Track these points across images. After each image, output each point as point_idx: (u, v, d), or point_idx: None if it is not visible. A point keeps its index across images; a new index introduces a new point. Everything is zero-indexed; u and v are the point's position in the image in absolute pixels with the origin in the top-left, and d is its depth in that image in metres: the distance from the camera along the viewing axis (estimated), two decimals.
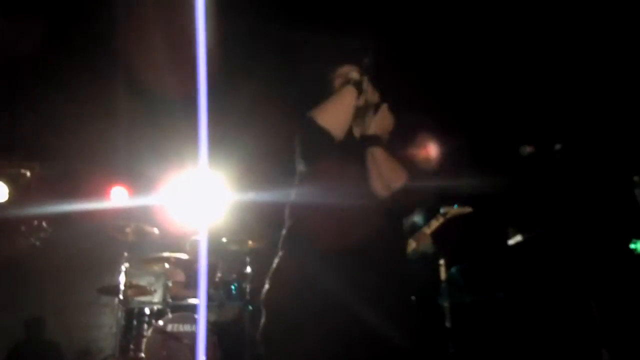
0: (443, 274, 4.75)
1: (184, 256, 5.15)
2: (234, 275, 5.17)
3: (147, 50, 4.76)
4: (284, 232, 2.41)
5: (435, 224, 4.48)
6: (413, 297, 2.50)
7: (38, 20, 4.72)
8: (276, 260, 2.36)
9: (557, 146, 3.62)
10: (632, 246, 3.86)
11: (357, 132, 2.54)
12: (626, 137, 4.60)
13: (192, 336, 4.64)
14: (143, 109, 5.49)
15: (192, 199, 5.90)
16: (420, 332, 2.27)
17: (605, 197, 4.62)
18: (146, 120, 5.60)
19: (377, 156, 2.42)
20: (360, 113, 2.50)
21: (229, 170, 5.89)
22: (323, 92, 2.54)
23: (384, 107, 2.50)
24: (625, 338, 4.23)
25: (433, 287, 4.68)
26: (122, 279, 4.81)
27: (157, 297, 5.81)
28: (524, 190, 5.11)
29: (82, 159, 6.08)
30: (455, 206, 4.53)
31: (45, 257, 6.01)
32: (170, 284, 5.05)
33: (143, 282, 5.69)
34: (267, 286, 2.32)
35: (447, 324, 4.51)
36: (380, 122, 2.48)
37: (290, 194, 2.47)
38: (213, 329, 4.81)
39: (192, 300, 5.06)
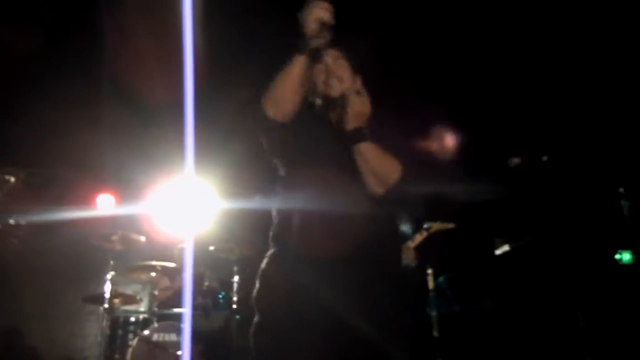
0: (431, 284, 4.76)
1: (171, 264, 5.12)
2: (221, 284, 5.14)
3: (134, 57, 4.75)
4: (270, 235, 2.36)
5: (419, 238, 4.53)
6: (407, 305, 2.43)
7: (23, 27, 4.70)
8: (264, 264, 2.31)
9: (544, 158, 3.64)
10: (617, 257, 3.89)
11: (317, 100, 2.39)
12: (613, 148, 4.64)
13: (178, 345, 4.60)
14: (130, 116, 5.47)
15: (180, 207, 5.87)
16: (412, 340, 2.25)
17: (592, 208, 4.65)
18: (133, 127, 5.58)
19: (365, 152, 2.26)
20: (318, 82, 2.37)
21: (216, 178, 5.87)
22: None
23: (352, 96, 2.29)
24: (610, 347, 4.25)
25: (421, 296, 4.69)
26: (107, 287, 4.76)
27: (143, 306, 5.76)
28: (511, 200, 5.13)
29: (68, 165, 6.04)
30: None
31: (30, 265, 5.95)
32: (156, 293, 5.01)
33: (129, 290, 5.64)
34: (257, 288, 2.28)
35: (435, 334, 4.52)
36: (355, 112, 2.27)
37: (275, 200, 2.39)
38: (200, 338, 4.78)
39: (178, 310, 5.03)
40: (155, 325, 4.75)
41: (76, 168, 6.13)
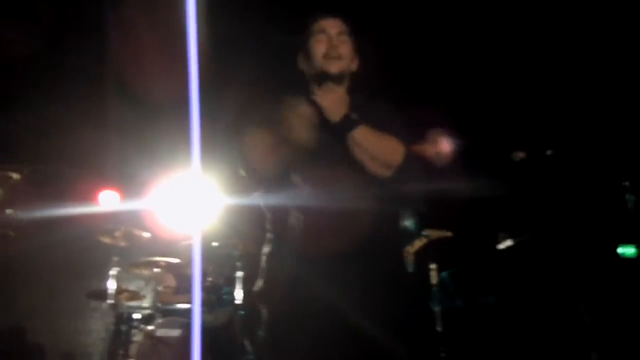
0: (434, 279, 4.76)
1: (174, 260, 5.12)
2: (225, 280, 5.14)
3: (137, 53, 4.75)
4: (267, 232, 2.33)
5: (418, 244, 4.57)
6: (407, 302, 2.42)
7: (26, 24, 4.70)
8: (264, 261, 2.29)
9: (549, 152, 3.63)
10: (619, 250, 3.88)
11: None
12: (617, 142, 4.62)
13: (182, 341, 4.61)
14: (133, 112, 5.47)
15: (183, 202, 5.87)
16: (415, 337, 2.24)
17: (596, 201, 4.64)
18: (137, 122, 5.58)
19: (361, 138, 2.16)
20: (316, 53, 2.30)
21: (220, 174, 5.87)
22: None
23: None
24: (614, 341, 4.24)
25: (423, 293, 4.70)
26: (111, 283, 4.77)
27: (146, 302, 5.77)
28: (514, 195, 5.12)
29: (72, 162, 6.04)
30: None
31: (33, 261, 5.97)
32: (160, 289, 5.02)
33: (133, 286, 5.65)
34: (260, 284, 2.27)
35: (439, 329, 4.52)
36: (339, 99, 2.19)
37: (270, 197, 2.35)
38: (204, 333, 4.78)
39: (182, 305, 5.03)
40: (159, 320, 4.76)
41: (79, 164, 6.13)
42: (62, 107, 5.32)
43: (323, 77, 2.28)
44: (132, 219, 5.66)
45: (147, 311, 5.14)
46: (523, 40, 4.99)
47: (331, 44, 2.29)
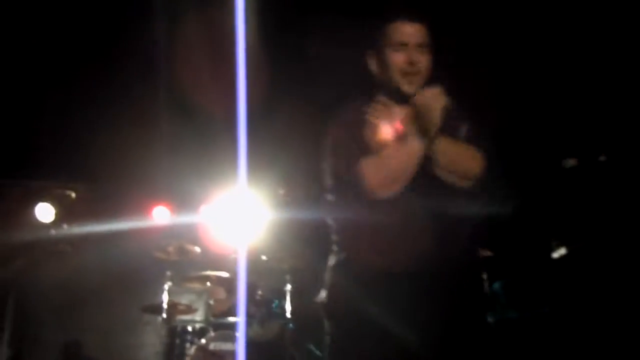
0: (485, 290, 4.68)
1: (225, 274, 5.19)
2: (274, 293, 5.18)
3: (189, 69, 4.85)
4: (333, 243, 2.20)
5: None
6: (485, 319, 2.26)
7: (81, 40, 4.85)
8: (330, 273, 2.17)
9: (602, 157, 3.54)
10: None
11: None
12: None
13: (235, 354, 4.66)
14: (185, 128, 5.58)
15: (233, 217, 5.94)
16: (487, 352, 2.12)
17: None
18: (188, 139, 5.68)
19: (441, 148, 2.05)
20: (394, 69, 2.14)
21: (269, 188, 5.92)
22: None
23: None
24: None
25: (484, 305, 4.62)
26: (164, 297, 4.86)
27: (199, 316, 5.85)
28: (567, 202, 5.01)
29: (125, 179, 6.19)
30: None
31: (88, 277, 6.11)
32: (212, 303, 5.09)
33: (185, 300, 5.74)
34: (324, 297, 2.16)
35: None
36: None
37: (339, 209, 2.20)
38: (254, 347, 4.82)
39: (234, 319, 5.08)
40: (212, 334, 4.82)
41: (133, 181, 6.28)
42: (116, 126, 5.47)
43: (396, 92, 2.18)
44: (184, 234, 5.77)
45: (200, 325, 5.21)
46: (574, 44, 4.89)
47: (410, 59, 2.13)
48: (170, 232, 5.88)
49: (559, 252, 4.66)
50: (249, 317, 4.82)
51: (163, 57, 4.91)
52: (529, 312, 5.08)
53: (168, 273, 4.98)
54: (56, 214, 5.99)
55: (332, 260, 2.20)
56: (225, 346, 4.74)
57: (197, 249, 5.22)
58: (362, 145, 2.09)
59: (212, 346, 4.71)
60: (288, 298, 4.96)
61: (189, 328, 5.07)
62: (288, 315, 4.89)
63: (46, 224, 5.96)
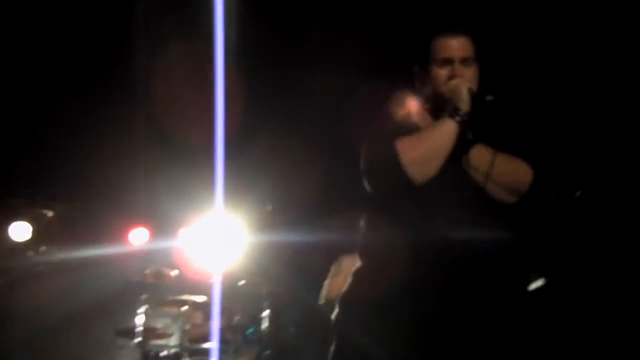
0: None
1: (203, 298, 5.13)
2: (251, 319, 5.13)
3: (169, 95, 4.87)
4: (360, 253, 2.12)
5: None
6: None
7: (60, 65, 4.87)
8: (348, 286, 2.11)
9: (577, 193, 3.58)
10: None
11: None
12: None
13: None
14: (163, 152, 5.57)
15: (212, 241, 5.91)
16: None
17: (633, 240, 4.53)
18: (166, 163, 5.67)
19: (479, 159, 1.97)
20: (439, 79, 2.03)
21: (246, 213, 5.91)
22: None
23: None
24: None
25: None
26: (139, 321, 4.79)
27: (173, 341, 5.77)
28: (545, 235, 5.04)
29: (103, 200, 6.15)
30: None
31: (63, 299, 6.01)
32: (187, 328, 5.02)
33: (160, 324, 5.66)
34: (337, 312, 2.11)
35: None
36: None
37: (360, 224, 2.12)
38: None
39: (209, 345, 5.02)
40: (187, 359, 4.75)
41: (110, 203, 6.23)
42: (94, 147, 5.45)
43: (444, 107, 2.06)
44: (162, 258, 5.72)
45: (175, 349, 5.13)
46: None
47: (456, 75, 2.03)
48: (147, 256, 5.83)
49: (536, 284, 4.68)
50: (225, 343, 4.77)
51: (144, 82, 4.94)
52: None
53: (144, 296, 4.92)
54: (33, 233, 5.91)
55: (357, 264, 2.13)
56: None
57: (175, 273, 5.18)
58: (396, 127, 2.04)
59: None
60: (265, 324, 4.92)
61: (164, 353, 5.00)
62: (264, 341, 4.85)
63: (21, 243, 5.87)
